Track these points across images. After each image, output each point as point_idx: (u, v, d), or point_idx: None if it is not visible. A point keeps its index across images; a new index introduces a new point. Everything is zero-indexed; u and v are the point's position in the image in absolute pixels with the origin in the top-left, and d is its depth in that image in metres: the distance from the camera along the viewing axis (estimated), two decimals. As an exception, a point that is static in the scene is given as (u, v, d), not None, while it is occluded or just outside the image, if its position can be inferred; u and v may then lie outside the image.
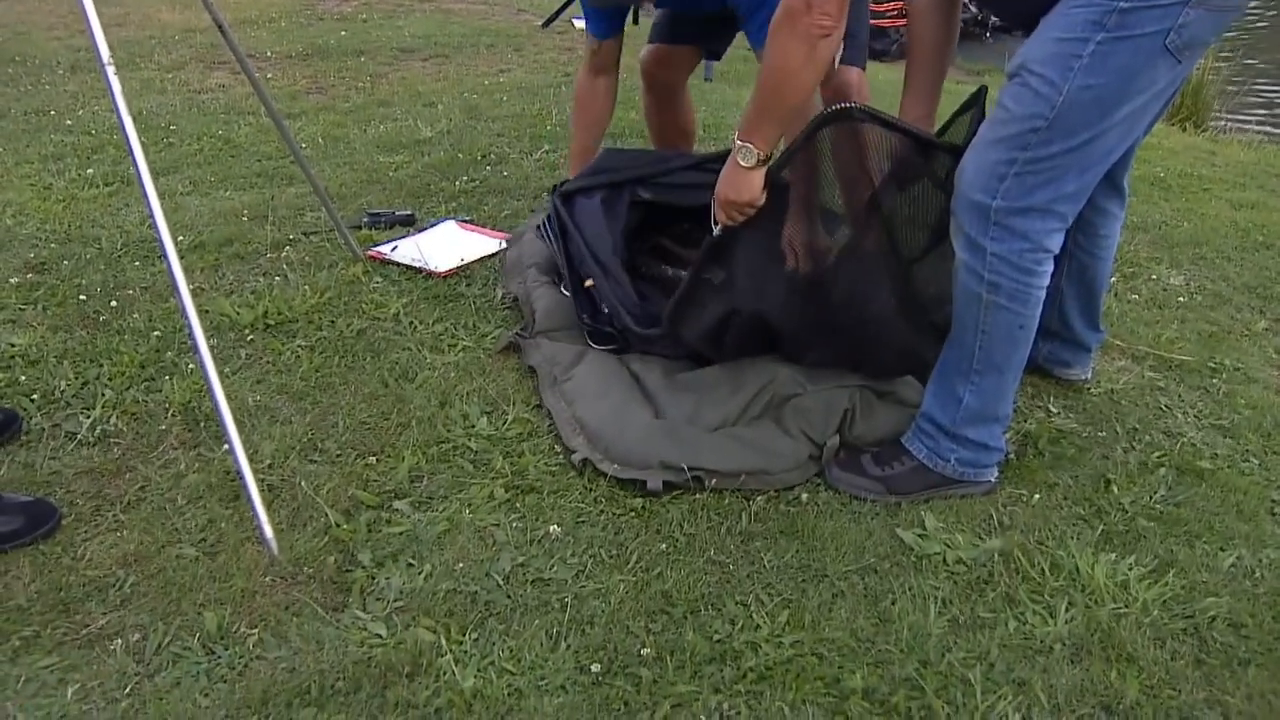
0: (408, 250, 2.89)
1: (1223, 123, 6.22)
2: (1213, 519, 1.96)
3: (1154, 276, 3.09)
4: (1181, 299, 2.94)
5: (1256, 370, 2.57)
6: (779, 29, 1.70)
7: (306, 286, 2.69)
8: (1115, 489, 2.03)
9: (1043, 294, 1.82)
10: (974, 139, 1.79)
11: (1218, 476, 2.09)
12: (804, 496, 1.97)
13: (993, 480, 2.01)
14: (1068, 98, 1.64)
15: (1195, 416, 2.33)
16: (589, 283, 2.42)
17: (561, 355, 2.32)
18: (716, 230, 2.00)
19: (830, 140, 1.88)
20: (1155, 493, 2.03)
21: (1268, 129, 6.15)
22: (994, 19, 8.53)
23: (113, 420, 2.12)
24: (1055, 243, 1.78)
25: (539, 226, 2.74)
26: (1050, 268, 1.81)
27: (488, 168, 3.72)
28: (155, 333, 2.46)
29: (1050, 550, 1.85)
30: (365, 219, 3.14)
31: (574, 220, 2.54)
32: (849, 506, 1.95)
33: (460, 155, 3.83)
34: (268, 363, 2.34)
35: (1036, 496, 2.00)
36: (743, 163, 1.85)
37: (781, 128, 1.84)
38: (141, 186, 1.71)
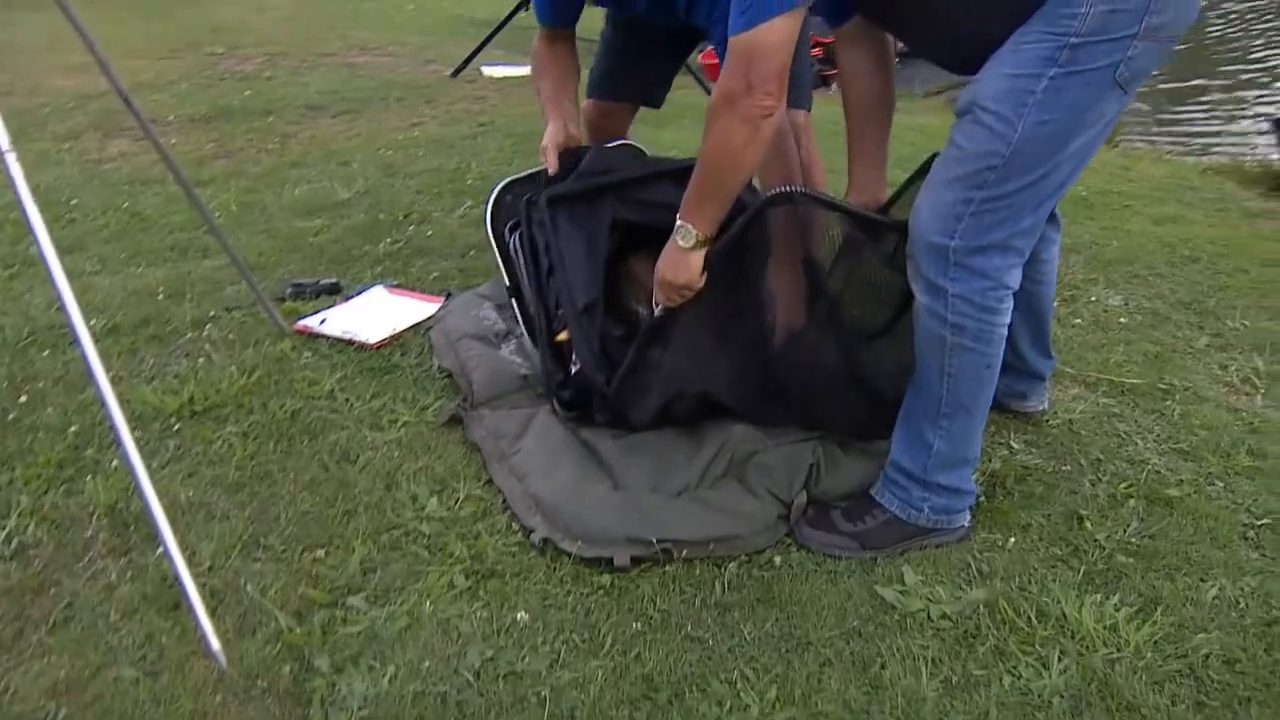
0: (337, 321, 2.77)
1: (1133, 139, 6.39)
2: (1189, 549, 1.94)
3: (1093, 298, 3.11)
4: (1123, 320, 2.96)
5: (1205, 388, 2.58)
6: (719, 112, 1.65)
7: (233, 367, 2.55)
8: (1089, 525, 2.00)
9: (1005, 331, 1.79)
10: (927, 179, 1.76)
11: (1186, 504, 2.07)
12: (776, 560, 1.90)
13: (966, 525, 1.96)
14: (1023, 134, 1.61)
15: (1155, 441, 2.32)
16: (563, 335, 2.22)
17: (506, 426, 2.23)
18: (657, 311, 1.94)
19: (772, 222, 1.84)
20: (1128, 526, 2.01)
21: (1177, 145, 6.34)
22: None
23: (30, 530, 1.96)
24: (1015, 279, 1.76)
25: (509, 244, 2.39)
26: (1011, 304, 1.78)
27: (410, 228, 3.61)
28: (72, 428, 2.30)
29: (1034, 596, 1.81)
30: (289, 290, 3.01)
31: (559, 245, 2.16)
32: (824, 566, 1.89)
33: (381, 216, 3.72)
34: (198, 454, 2.20)
35: (1012, 540, 1.96)
36: (682, 244, 1.80)
37: (723, 208, 1.80)
38: (47, 268, 1.56)
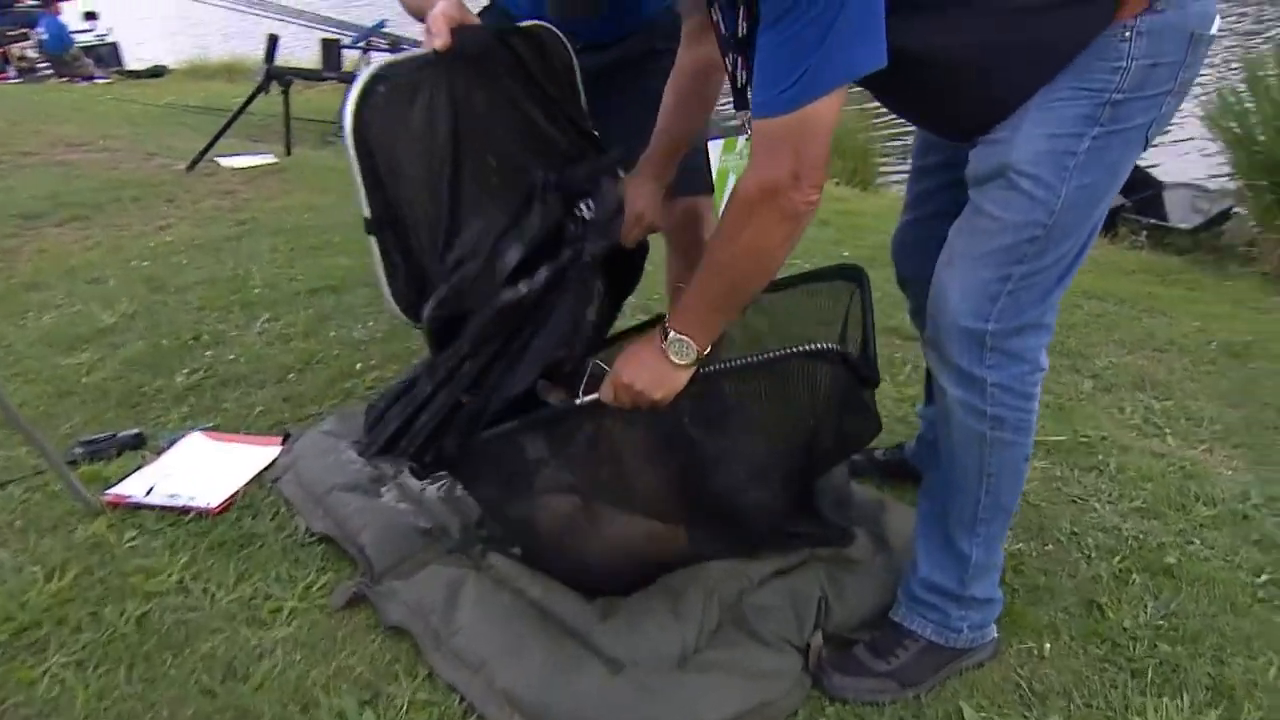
0: (159, 485, 2.22)
1: (888, 179, 6.64)
2: (1217, 623, 1.85)
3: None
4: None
5: (1119, 435, 2.55)
6: (755, 206, 1.35)
7: (35, 567, 1.96)
8: (1110, 613, 1.85)
9: (1037, 419, 1.59)
10: (950, 254, 1.53)
11: (1186, 572, 1.98)
12: (820, 722, 1.59)
13: (995, 635, 1.74)
14: (1065, 200, 1.42)
15: (1110, 503, 2.24)
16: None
17: (428, 598, 1.81)
18: (583, 399, 1.63)
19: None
20: (1147, 607, 1.88)
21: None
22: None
23: None
24: (1046, 359, 1.56)
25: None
26: (1040, 388, 1.58)
27: (206, 353, 3.04)
28: None
29: (1103, 711, 1.60)
30: (78, 449, 2.40)
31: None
32: (867, 717, 1.60)
33: (164, 342, 3.12)
34: (20, 706, 1.63)
35: (1047, 646, 1.77)
36: (676, 359, 1.49)
37: (732, 319, 1.51)
38: None
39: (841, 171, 6.36)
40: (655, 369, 1.51)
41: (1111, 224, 5.05)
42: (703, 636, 1.68)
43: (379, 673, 1.69)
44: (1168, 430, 2.61)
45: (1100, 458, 2.42)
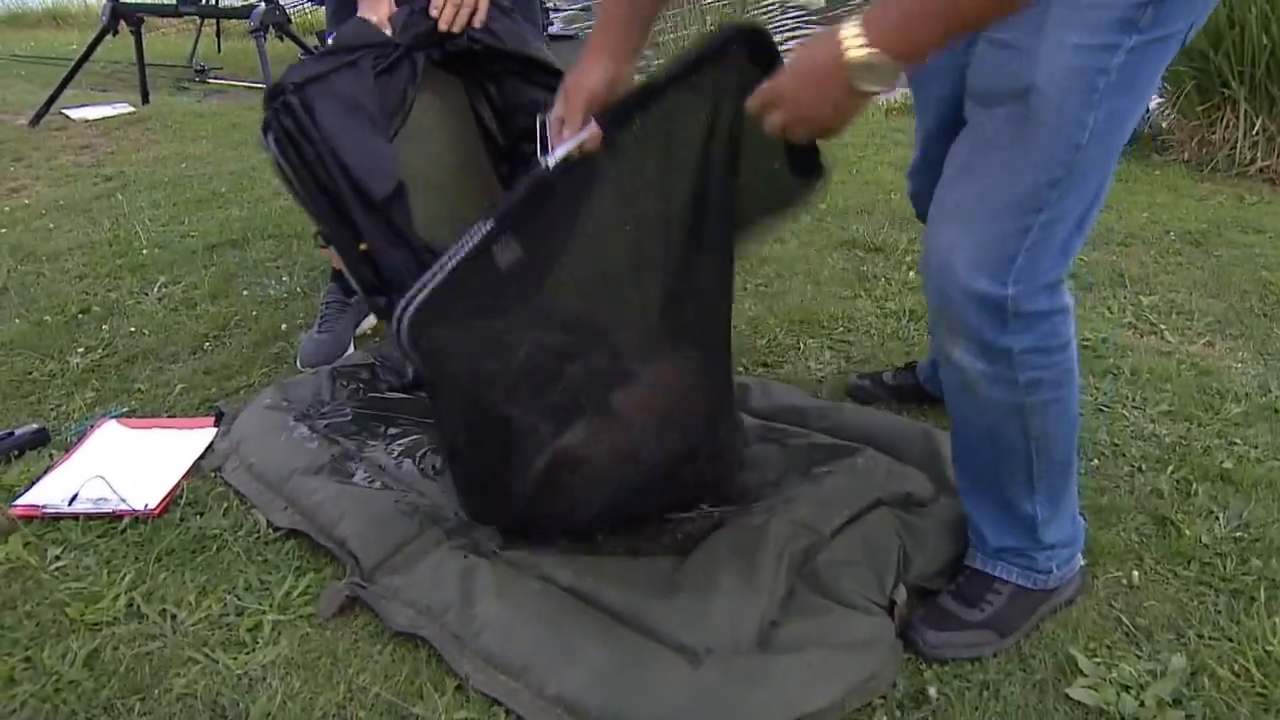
0: (81, 488, 1.87)
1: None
2: None
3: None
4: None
5: (1119, 335, 2.48)
6: None
7: (-58, 608, 1.61)
8: (1186, 530, 1.70)
9: (1076, 353, 1.38)
10: (946, 202, 1.30)
11: (1245, 476, 1.85)
12: (931, 692, 1.39)
13: (1082, 564, 1.56)
14: (1094, 130, 1.19)
15: (1137, 408, 2.13)
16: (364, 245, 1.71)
17: (438, 595, 1.53)
18: (553, 158, 1.35)
19: None
20: (1218, 519, 1.74)
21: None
22: None
23: None
24: (1069, 297, 1.33)
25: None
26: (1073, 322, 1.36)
27: (101, 327, 2.64)
28: None
29: (1226, 644, 1.45)
30: (-32, 454, 2.03)
31: (319, 127, 1.65)
32: (974, 677, 1.41)
33: (46, 319, 2.70)
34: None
35: (1135, 574, 1.60)
36: (860, 85, 1.07)
37: (942, 40, 1.06)
38: None
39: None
40: (823, 81, 1.10)
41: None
42: (777, 606, 1.45)
43: (400, 692, 1.42)
44: (1163, 326, 2.49)
45: (1111, 361, 2.28)
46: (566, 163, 1.35)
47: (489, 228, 1.33)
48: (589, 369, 1.51)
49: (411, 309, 1.33)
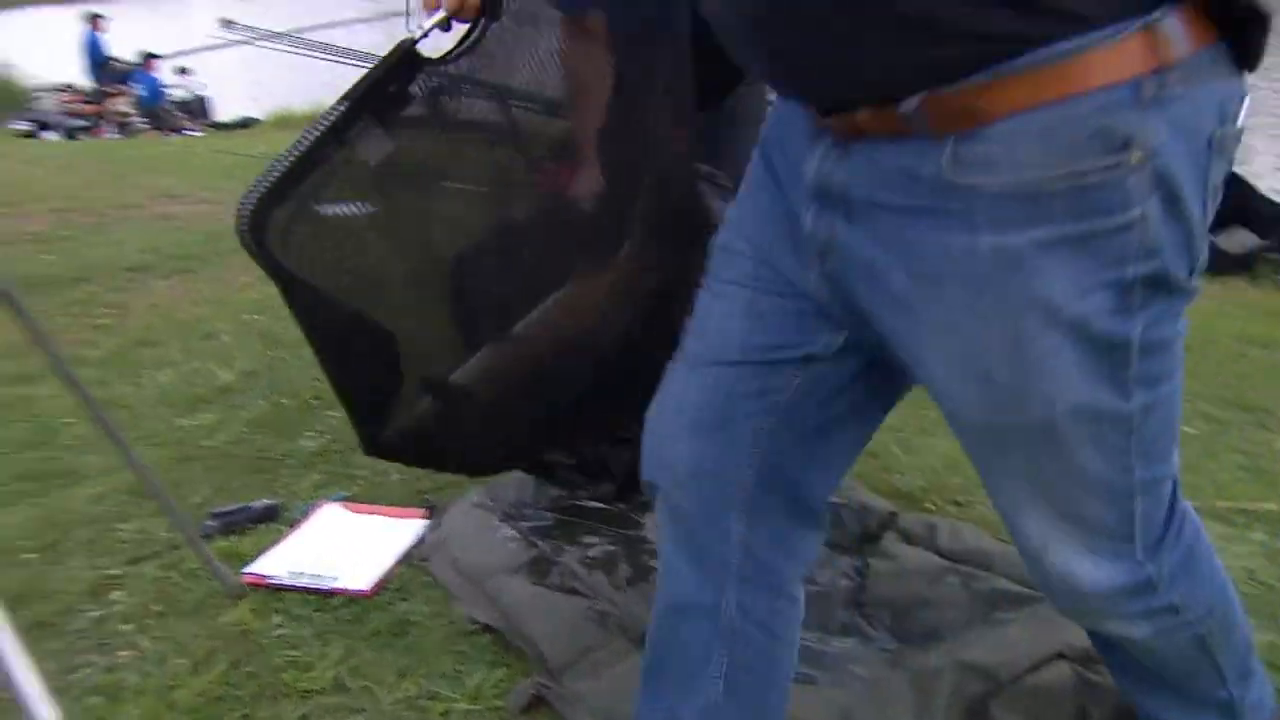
0: (300, 564, 2.04)
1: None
2: None
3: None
4: (1188, 430, 2.62)
5: None
6: None
7: (181, 659, 1.78)
8: None
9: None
10: (1040, 533, 1.14)
11: None
12: None
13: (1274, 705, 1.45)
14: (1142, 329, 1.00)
15: None
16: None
17: (625, 704, 1.57)
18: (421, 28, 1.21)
19: None
20: None
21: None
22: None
23: None
24: (1184, 500, 1.19)
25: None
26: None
27: (328, 413, 2.88)
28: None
29: None
30: (210, 522, 2.24)
31: None
32: None
33: (284, 402, 2.98)
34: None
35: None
36: None
37: None
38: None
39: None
40: None
41: (1249, 265, 4.74)
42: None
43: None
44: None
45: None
46: (441, 31, 1.21)
47: (342, 109, 1.21)
48: (489, 284, 1.42)
49: (252, 200, 1.20)
